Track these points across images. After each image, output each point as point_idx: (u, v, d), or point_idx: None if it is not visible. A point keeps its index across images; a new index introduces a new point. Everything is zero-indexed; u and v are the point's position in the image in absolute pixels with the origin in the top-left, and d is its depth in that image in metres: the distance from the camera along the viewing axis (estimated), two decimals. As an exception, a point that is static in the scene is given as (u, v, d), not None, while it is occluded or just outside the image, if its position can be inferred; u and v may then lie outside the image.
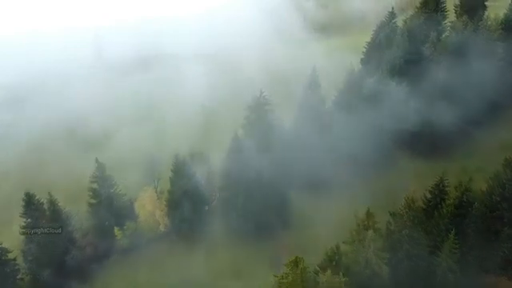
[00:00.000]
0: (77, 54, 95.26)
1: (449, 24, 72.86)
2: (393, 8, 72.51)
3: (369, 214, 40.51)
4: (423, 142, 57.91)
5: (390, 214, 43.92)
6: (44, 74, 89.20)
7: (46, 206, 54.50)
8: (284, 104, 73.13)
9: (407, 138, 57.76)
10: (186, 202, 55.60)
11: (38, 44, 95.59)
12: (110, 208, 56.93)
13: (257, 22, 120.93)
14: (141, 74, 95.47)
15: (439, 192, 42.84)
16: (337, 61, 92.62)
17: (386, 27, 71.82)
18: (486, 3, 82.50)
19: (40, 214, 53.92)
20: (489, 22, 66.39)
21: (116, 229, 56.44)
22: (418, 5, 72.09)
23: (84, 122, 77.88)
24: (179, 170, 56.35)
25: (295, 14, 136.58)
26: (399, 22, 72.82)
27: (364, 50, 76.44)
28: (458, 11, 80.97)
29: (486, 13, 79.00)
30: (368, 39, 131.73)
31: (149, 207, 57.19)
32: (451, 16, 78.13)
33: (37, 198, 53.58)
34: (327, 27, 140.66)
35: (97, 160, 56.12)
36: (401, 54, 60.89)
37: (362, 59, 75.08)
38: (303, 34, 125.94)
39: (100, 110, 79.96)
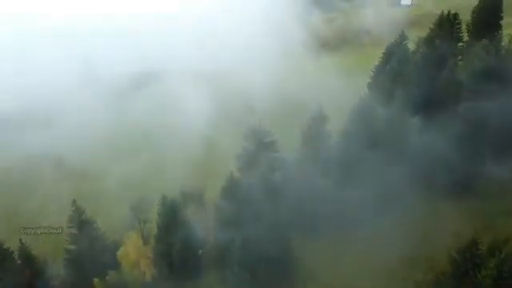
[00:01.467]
0: (66, 75, 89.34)
1: (463, 45, 66.39)
2: (403, 31, 65.70)
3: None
4: (447, 181, 50.26)
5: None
6: (31, 98, 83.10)
7: (16, 255, 47.97)
8: (287, 131, 66.87)
9: (427, 175, 50.31)
10: (174, 250, 48.49)
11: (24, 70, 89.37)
12: (89, 255, 49.97)
13: (259, 36, 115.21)
14: (135, 95, 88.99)
15: (471, 255, 35.48)
16: (342, 83, 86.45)
17: (395, 48, 65.09)
18: (500, 22, 75.87)
19: (9, 264, 47.20)
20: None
21: (96, 280, 49.32)
22: (432, 25, 65.46)
23: (72, 151, 71.01)
24: (167, 214, 49.23)
25: (299, 29, 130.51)
26: (410, 42, 66.18)
27: (371, 72, 69.42)
28: (471, 30, 74.41)
29: (502, 32, 72.64)
30: (373, 54, 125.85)
31: (133, 255, 49.98)
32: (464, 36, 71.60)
33: (5, 247, 46.99)
34: (332, 42, 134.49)
35: (74, 202, 49.20)
36: (416, 82, 54.05)
37: (369, 83, 68.11)
38: (307, 49, 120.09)
39: (89, 138, 73.91)
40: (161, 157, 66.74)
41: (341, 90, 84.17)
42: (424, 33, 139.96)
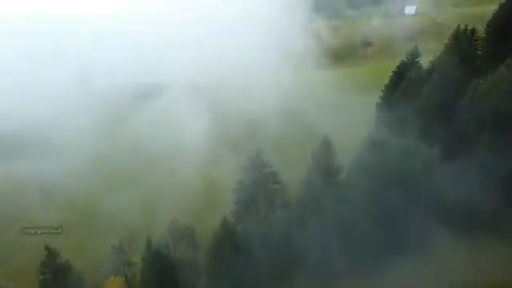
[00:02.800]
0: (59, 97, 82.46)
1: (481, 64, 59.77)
2: (416, 46, 59.12)
3: None
4: (475, 222, 43.33)
5: None
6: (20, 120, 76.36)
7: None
8: (290, 155, 60.53)
9: (451, 215, 43.53)
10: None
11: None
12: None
13: (262, 47, 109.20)
14: (129, 115, 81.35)
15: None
16: (347, 99, 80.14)
17: (407, 66, 58.69)
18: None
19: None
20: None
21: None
22: (446, 41, 58.87)
23: (60, 178, 64.33)
24: (152, 259, 42.72)
25: (301, 40, 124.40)
26: (423, 59, 59.62)
27: (377, 89, 62.71)
28: (487, 45, 67.85)
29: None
30: (378, 67, 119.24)
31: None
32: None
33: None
34: (334, 53, 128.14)
35: (47, 248, 42.72)
36: (433, 107, 47.60)
37: (378, 104, 61.51)
38: (309, 61, 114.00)
39: (79, 164, 67.21)
40: (154, 188, 59.53)
41: (346, 108, 78.05)
42: (430, 44, 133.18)
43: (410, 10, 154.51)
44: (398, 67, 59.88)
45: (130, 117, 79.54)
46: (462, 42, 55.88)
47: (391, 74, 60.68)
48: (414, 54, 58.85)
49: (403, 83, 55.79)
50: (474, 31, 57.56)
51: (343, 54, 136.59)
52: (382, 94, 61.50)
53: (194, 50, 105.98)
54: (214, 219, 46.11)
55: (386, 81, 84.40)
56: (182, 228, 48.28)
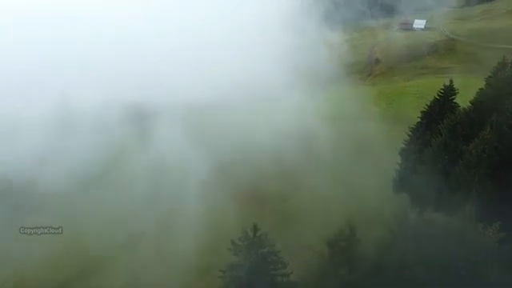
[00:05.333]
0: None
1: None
2: (451, 81, 47.59)
3: None
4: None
5: None
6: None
7: None
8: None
9: None
10: None
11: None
12: None
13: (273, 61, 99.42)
14: (118, 156, 67.30)
15: None
16: (358, 128, 69.37)
17: (440, 106, 47.33)
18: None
19: None
20: None
21: None
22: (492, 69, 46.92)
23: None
24: None
25: (320, 54, 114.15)
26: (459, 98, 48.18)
27: (407, 136, 50.25)
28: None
29: None
30: (386, 89, 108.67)
31: None
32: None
33: None
34: (343, 70, 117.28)
35: None
36: (484, 166, 36.26)
37: (402, 150, 49.76)
38: (327, 79, 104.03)
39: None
40: (140, 246, 48.25)
41: (359, 140, 67.21)
42: (444, 62, 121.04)
43: (420, 24, 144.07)
44: (428, 106, 48.42)
45: (119, 157, 65.99)
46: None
47: (420, 114, 49.08)
48: (449, 91, 47.35)
49: (436, 129, 44.25)
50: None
51: (349, 72, 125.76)
52: (407, 137, 49.94)
53: (192, 68, 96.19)
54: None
55: (403, 109, 73.39)
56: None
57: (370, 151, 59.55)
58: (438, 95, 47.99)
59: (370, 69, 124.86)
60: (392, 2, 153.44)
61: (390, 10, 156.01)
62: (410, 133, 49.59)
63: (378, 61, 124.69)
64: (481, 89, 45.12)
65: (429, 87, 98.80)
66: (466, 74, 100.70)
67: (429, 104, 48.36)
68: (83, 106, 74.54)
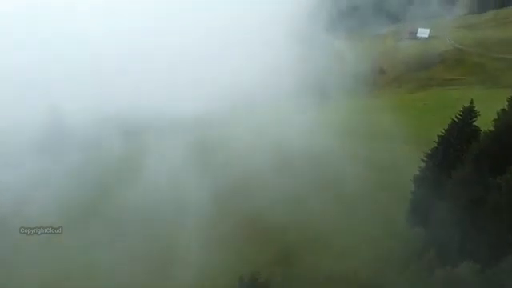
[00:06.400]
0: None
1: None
2: (472, 101, 42.61)
3: None
4: None
5: None
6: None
7: None
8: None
9: None
10: None
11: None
12: None
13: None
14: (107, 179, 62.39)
15: None
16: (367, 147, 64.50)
17: (459, 131, 42.32)
18: None
19: None
20: None
21: None
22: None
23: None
24: None
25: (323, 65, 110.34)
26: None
27: (424, 157, 44.59)
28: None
29: None
30: (393, 100, 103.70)
31: None
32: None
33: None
34: (346, 82, 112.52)
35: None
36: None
37: (416, 178, 44.57)
38: (328, 91, 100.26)
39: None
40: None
41: (365, 162, 62.24)
42: (453, 73, 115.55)
43: (423, 32, 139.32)
44: (446, 130, 43.34)
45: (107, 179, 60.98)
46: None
47: (437, 139, 43.96)
48: (469, 114, 42.27)
49: (457, 156, 39.29)
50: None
51: (352, 83, 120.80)
52: (422, 164, 44.82)
53: (192, 81, 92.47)
54: None
55: (410, 125, 68.69)
56: None
57: (381, 177, 54.38)
58: (457, 117, 42.91)
59: (375, 80, 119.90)
60: (398, 10, 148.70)
61: (395, 19, 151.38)
62: (425, 158, 44.49)
63: (382, 71, 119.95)
64: (503, 109, 40.22)
65: (436, 100, 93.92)
66: (476, 86, 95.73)
67: (446, 128, 43.22)
68: (73, 123, 70.36)
